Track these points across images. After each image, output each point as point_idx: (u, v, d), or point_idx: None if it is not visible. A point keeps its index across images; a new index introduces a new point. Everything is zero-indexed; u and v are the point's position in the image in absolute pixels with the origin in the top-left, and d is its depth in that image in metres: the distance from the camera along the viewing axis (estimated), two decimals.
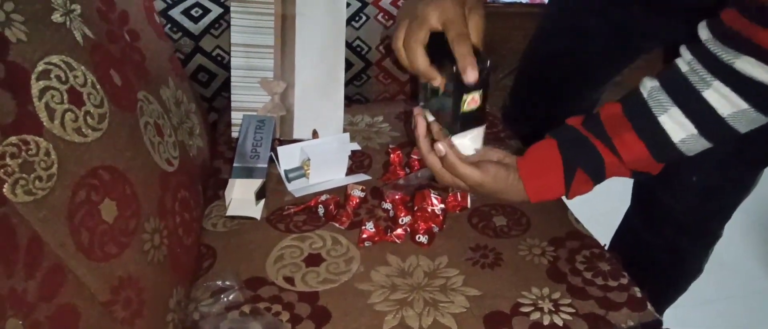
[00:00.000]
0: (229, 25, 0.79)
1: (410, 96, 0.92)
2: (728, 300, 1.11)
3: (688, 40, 0.65)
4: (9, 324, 0.29)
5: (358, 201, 0.63)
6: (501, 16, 1.17)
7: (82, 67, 0.41)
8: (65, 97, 0.38)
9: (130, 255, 0.42)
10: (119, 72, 0.47)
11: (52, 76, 0.37)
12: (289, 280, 0.54)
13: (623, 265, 0.57)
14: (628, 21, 0.68)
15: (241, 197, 0.63)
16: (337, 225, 0.61)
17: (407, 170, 0.70)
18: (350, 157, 0.71)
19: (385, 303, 0.51)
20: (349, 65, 0.87)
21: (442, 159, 0.49)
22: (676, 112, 0.44)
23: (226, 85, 0.84)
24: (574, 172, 0.48)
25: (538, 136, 0.53)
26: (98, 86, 0.42)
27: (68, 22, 0.41)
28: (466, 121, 0.47)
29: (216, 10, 0.83)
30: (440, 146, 0.48)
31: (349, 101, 0.90)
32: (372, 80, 0.90)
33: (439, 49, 0.45)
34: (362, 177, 0.69)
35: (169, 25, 0.81)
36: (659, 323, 0.52)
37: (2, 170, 0.32)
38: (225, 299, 0.51)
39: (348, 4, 0.84)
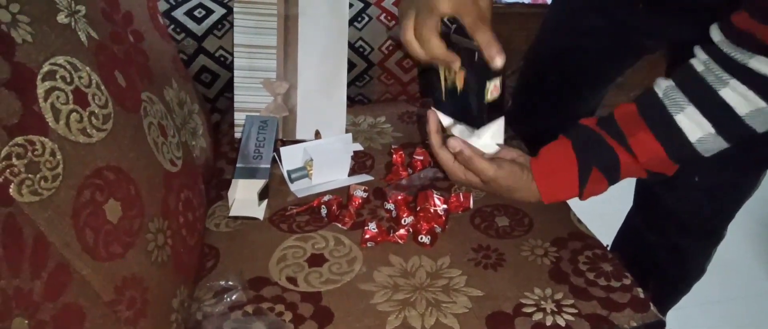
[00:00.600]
0: (232, 26, 0.79)
1: (413, 96, 0.92)
2: (731, 301, 1.11)
3: (692, 40, 0.65)
4: (15, 324, 0.29)
5: (360, 201, 0.63)
6: (504, 17, 1.17)
7: (87, 68, 0.41)
8: (70, 97, 0.38)
9: (134, 255, 0.42)
10: (123, 73, 0.47)
11: (57, 76, 0.37)
12: (292, 280, 0.54)
13: (625, 266, 0.57)
14: (631, 20, 0.68)
15: (244, 197, 0.64)
16: (339, 225, 0.61)
17: (410, 170, 0.70)
18: (353, 158, 0.71)
19: (387, 303, 0.51)
20: (351, 66, 0.87)
21: (457, 154, 0.48)
22: (693, 111, 0.43)
23: (229, 85, 0.84)
24: (588, 171, 0.48)
25: (542, 135, 0.53)
26: (103, 87, 0.42)
27: (73, 23, 0.41)
28: (491, 111, 0.46)
29: (219, 11, 0.83)
30: (454, 142, 0.48)
31: (352, 102, 0.91)
32: (374, 81, 0.91)
33: (446, 39, 0.44)
34: (365, 177, 0.69)
35: (172, 26, 0.81)
36: (662, 324, 0.52)
37: (8, 170, 0.32)
38: (228, 299, 0.52)
39: (350, 5, 0.84)
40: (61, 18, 0.40)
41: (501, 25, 1.17)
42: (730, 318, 1.08)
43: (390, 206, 0.63)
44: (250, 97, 0.76)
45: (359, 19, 0.87)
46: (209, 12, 0.83)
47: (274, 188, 0.67)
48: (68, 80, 0.38)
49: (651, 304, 0.52)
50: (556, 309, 0.51)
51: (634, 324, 0.51)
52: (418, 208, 0.60)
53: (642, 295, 0.53)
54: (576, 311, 0.51)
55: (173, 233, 0.49)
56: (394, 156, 0.70)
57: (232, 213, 0.63)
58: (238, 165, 0.67)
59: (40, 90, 0.36)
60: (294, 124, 0.77)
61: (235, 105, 0.76)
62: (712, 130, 0.43)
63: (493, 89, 0.45)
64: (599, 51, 0.75)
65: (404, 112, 0.83)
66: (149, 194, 0.46)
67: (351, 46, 0.85)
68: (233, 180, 0.65)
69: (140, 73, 0.52)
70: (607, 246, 0.62)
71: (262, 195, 0.64)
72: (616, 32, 0.71)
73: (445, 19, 0.45)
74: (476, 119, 0.46)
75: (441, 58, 0.45)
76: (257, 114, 0.75)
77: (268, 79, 0.76)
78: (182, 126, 0.63)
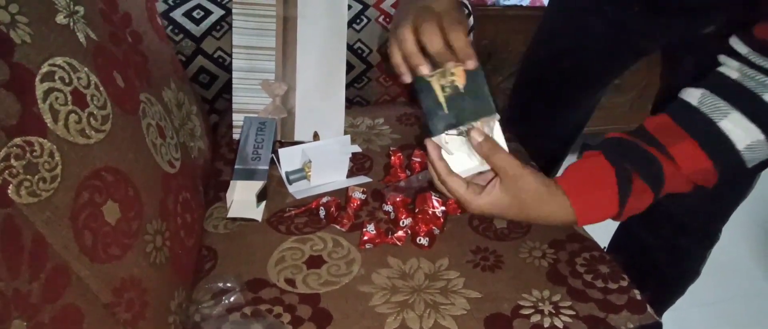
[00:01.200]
0: (230, 27, 0.79)
1: (411, 98, 0.93)
2: (727, 302, 1.11)
3: (687, 42, 0.66)
4: (14, 326, 0.29)
5: (359, 203, 0.63)
6: (501, 20, 1.17)
7: (86, 69, 0.41)
8: (69, 98, 0.38)
9: (132, 256, 0.42)
10: (122, 74, 0.47)
11: (56, 77, 0.37)
12: (290, 282, 0.54)
13: (622, 268, 0.57)
14: (627, 22, 0.69)
15: (242, 199, 0.63)
16: (338, 227, 0.61)
17: (408, 172, 0.70)
18: (351, 159, 0.71)
19: (386, 305, 0.51)
20: (350, 67, 0.87)
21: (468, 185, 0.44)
22: (737, 117, 0.41)
23: (227, 86, 0.84)
24: (629, 182, 0.43)
25: (539, 137, 0.52)
26: (101, 88, 0.42)
27: (72, 24, 0.41)
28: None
29: (217, 12, 0.83)
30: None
31: (350, 103, 0.91)
32: (373, 82, 0.91)
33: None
34: (363, 179, 0.69)
35: (170, 27, 0.81)
36: (659, 325, 0.52)
37: (7, 171, 0.32)
38: (226, 301, 0.51)
39: (349, 7, 0.84)
40: (60, 19, 0.40)
41: (499, 27, 1.18)
42: (726, 318, 1.09)
43: (388, 208, 0.63)
44: (249, 99, 0.76)
45: (358, 20, 0.87)
46: (208, 13, 0.83)
47: (272, 189, 0.67)
48: (67, 81, 0.38)
49: (648, 306, 0.53)
50: (553, 311, 0.51)
51: (632, 326, 0.51)
52: (417, 210, 0.60)
53: (639, 297, 0.53)
54: (574, 313, 0.51)
55: (171, 234, 0.49)
56: (392, 158, 0.70)
57: (231, 214, 0.62)
58: (236, 166, 0.67)
59: (39, 91, 0.36)
60: (292, 126, 0.77)
61: (234, 106, 0.76)
62: (762, 136, 0.41)
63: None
64: (596, 52, 0.75)
65: (402, 114, 0.83)
66: (148, 195, 0.46)
67: (350, 47, 0.85)
68: (231, 182, 0.65)
69: (139, 74, 0.52)
70: (604, 248, 0.62)
71: (261, 196, 0.64)
72: (613, 34, 0.71)
73: None
74: (489, 106, 0.45)
75: (409, 53, 0.45)
76: (256, 115, 0.75)
77: (266, 80, 0.76)
78: (180, 127, 0.63)
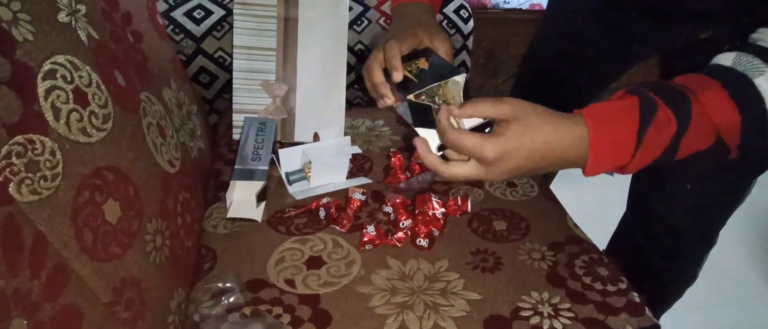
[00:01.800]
0: (231, 28, 0.79)
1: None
2: (723, 306, 1.12)
3: (684, 47, 0.66)
4: (14, 324, 0.29)
5: (359, 204, 0.63)
6: (501, 23, 1.17)
7: (87, 67, 0.41)
8: (71, 96, 0.38)
9: (132, 256, 0.42)
10: (123, 72, 0.47)
11: (57, 75, 0.37)
12: (290, 283, 0.54)
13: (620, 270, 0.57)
14: (625, 27, 0.69)
15: (242, 199, 0.63)
16: (337, 228, 0.61)
17: (408, 174, 0.70)
18: (351, 160, 0.71)
19: (385, 306, 0.51)
20: (350, 68, 0.87)
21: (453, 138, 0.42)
22: None
23: (228, 87, 0.84)
24: (653, 108, 0.39)
25: None
26: (103, 86, 0.42)
27: (74, 22, 0.41)
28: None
29: (218, 12, 0.83)
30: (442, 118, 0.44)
31: (350, 104, 0.91)
32: None
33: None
34: (363, 180, 0.69)
35: (171, 27, 0.81)
36: (657, 328, 0.52)
37: (8, 169, 0.32)
38: (225, 301, 0.51)
39: (350, 8, 0.84)
40: (62, 17, 0.40)
41: (499, 30, 1.18)
42: (722, 323, 1.09)
43: (388, 209, 0.63)
44: (249, 99, 0.76)
45: (359, 22, 0.87)
46: (208, 13, 0.83)
47: (272, 190, 0.67)
48: (68, 79, 0.38)
49: (646, 308, 0.53)
50: (552, 313, 0.51)
51: (630, 328, 0.51)
52: (417, 211, 0.60)
53: (637, 299, 0.53)
54: (573, 315, 0.51)
55: (171, 234, 0.49)
56: (392, 159, 0.70)
57: (230, 214, 0.62)
58: (236, 166, 0.67)
59: (41, 89, 0.36)
60: (293, 126, 0.77)
61: (234, 106, 0.76)
62: None
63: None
64: (594, 56, 0.75)
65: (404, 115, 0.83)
66: (148, 195, 0.46)
67: (350, 49, 0.86)
68: (231, 182, 0.64)
69: (139, 73, 0.52)
70: (602, 250, 0.62)
71: (260, 197, 0.64)
72: (611, 38, 0.72)
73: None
74: (454, 69, 0.50)
75: (374, 83, 0.51)
76: (256, 115, 0.75)
77: (267, 81, 0.76)
78: (181, 127, 0.63)
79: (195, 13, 0.83)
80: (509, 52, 1.20)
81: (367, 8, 0.88)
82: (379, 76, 0.52)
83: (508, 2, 1.20)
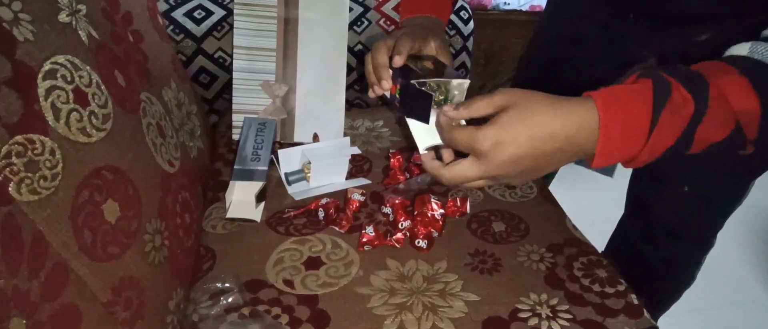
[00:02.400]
0: (231, 28, 0.79)
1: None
2: (721, 308, 1.12)
3: (682, 51, 0.66)
4: (13, 324, 0.29)
5: (358, 205, 0.63)
6: (501, 24, 1.18)
7: (87, 68, 0.41)
8: (71, 96, 0.38)
9: (131, 256, 0.42)
10: (123, 73, 0.47)
11: (58, 75, 0.37)
12: (289, 283, 0.54)
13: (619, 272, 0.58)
14: (623, 30, 0.69)
15: (241, 199, 0.63)
16: (337, 228, 0.61)
17: (407, 175, 0.70)
18: (350, 161, 0.71)
19: (384, 307, 0.51)
20: (350, 69, 0.87)
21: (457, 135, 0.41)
22: None
23: (228, 87, 0.84)
24: (667, 90, 0.36)
25: None
26: (103, 87, 0.42)
27: (74, 22, 0.41)
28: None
29: (218, 13, 0.83)
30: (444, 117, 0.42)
31: (350, 105, 0.91)
32: None
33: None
34: (362, 181, 0.69)
35: (171, 27, 0.81)
36: None
37: (8, 169, 0.32)
38: (224, 301, 0.51)
39: (350, 9, 0.84)
40: (62, 17, 0.40)
41: (498, 32, 1.19)
42: (721, 325, 1.09)
43: (387, 210, 0.63)
44: (249, 99, 0.76)
45: (359, 23, 0.87)
46: (209, 13, 0.83)
47: (271, 190, 0.67)
48: (69, 79, 0.38)
49: (645, 310, 0.53)
50: (551, 315, 0.51)
51: None
52: (416, 212, 0.60)
53: (636, 301, 0.54)
54: (571, 316, 0.51)
55: (170, 234, 0.49)
56: (391, 160, 0.70)
57: (229, 214, 0.62)
58: (235, 167, 0.67)
59: (41, 88, 0.36)
60: (292, 127, 0.77)
61: (234, 106, 0.76)
62: None
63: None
64: (591, 58, 0.76)
65: (402, 117, 0.84)
66: (147, 195, 0.46)
67: (350, 50, 0.86)
68: (231, 182, 0.64)
69: (139, 74, 0.52)
70: (601, 252, 0.62)
71: (260, 197, 0.64)
72: (609, 40, 0.72)
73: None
74: (458, 74, 0.50)
75: (376, 63, 0.52)
76: (255, 116, 0.75)
77: (266, 81, 0.76)
78: (180, 127, 0.63)
79: (195, 14, 0.83)
80: (509, 53, 1.21)
81: (367, 9, 0.88)
82: (383, 57, 0.51)
83: (508, 3, 1.20)
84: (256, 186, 0.64)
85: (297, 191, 0.67)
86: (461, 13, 0.94)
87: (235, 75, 0.75)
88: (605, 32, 0.71)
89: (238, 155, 0.68)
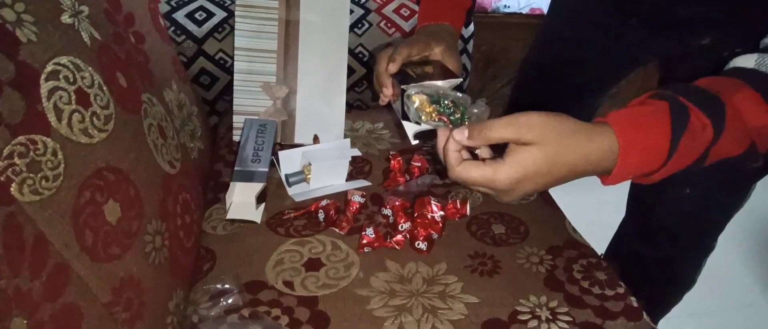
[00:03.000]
0: (232, 29, 0.79)
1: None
2: (721, 311, 1.12)
3: (682, 54, 0.67)
4: (14, 324, 0.29)
5: (358, 206, 0.63)
6: (501, 27, 1.18)
7: (90, 69, 0.41)
8: (73, 97, 0.38)
9: (132, 256, 0.42)
10: (125, 74, 0.47)
11: (60, 76, 0.38)
12: (289, 284, 0.54)
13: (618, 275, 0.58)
14: (624, 33, 0.70)
15: (242, 200, 0.63)
16: (337, 230, 0.61)
17: (407, 177, 0.70)
18: (351, 163, 0.71)
19: (384, 308, 0.51)
20: (350, 71, 0.87)
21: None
22: None
23: (228, 88, 0.84)
24: (686, 114, 0.35)
25: None
26: (105, 88, 0.42)
27: (77, 24, 0.41)
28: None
29: (220, 14, 0.84)
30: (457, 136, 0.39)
31: (350, 107, 0.91)
32: (373, 86, 0.91)
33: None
34: (362, 183, 0.69)
35: (172, 28, 0.81)
36: None
37: (10, 169, 0.32)
38: (224, 302, 0.51)
39: (351, 11, 0.85)
40: (65, 18, 0.40)
41: (498, 34, 1.19)
42: (722, 328, 1.09)
43: (387, 212, 0.63)
44: (250, 101, 0.76)
45: (359, 25, 0.87)
46: (210, 15, 0.83)
47: (271, 192, 0.67)
48: (71, 80, 0.39)
49: (644, 313, 0.53)
50: (550, 317, 0.51)
51: None
52: (416, 214, 0.60)
53: (635, 304, 0.54)
54: (570, 319, 0.51)
55: (171, 235, 0.49)
56: (392, 162, 0.70)
57: (230, 216, 0.62)
58: (236, 168, 0.67)
59: (44, 89, 0.36)
60: (293, 128, 0.77)
61: (235, 108, 0.76)
62: None
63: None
64: (594, 61, 0.76)
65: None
66: (148, 195, 0.46)
67: (351, 52, 0.86)
68: (231, 183, 0.65)
69: (141, 75, 0.52)
70: (601, 255, 0.62)
71: (260, 198, 0.64)
72: (611, 43, 0.72)
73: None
74: (453, 74, 0.52)
75: (377, 72, 0.55)
76: (256, 117, 0.75)
77: (267, 82, 0.76)
78: (181, 128, 0.63)
79: (197, 15, 0.83)
80: (509, 56, 1.21)
81: (368, 11, 0.88)
82: (384, 65, 0.54)
83: (508, 6, 1.21)
84: (257, 187, 0.64)
85: (297, 192, 0.67)
86: None
87: (235, 76, 0.75)
88: (607, 35, 0.71)
89: (238, 156, 0.68)
